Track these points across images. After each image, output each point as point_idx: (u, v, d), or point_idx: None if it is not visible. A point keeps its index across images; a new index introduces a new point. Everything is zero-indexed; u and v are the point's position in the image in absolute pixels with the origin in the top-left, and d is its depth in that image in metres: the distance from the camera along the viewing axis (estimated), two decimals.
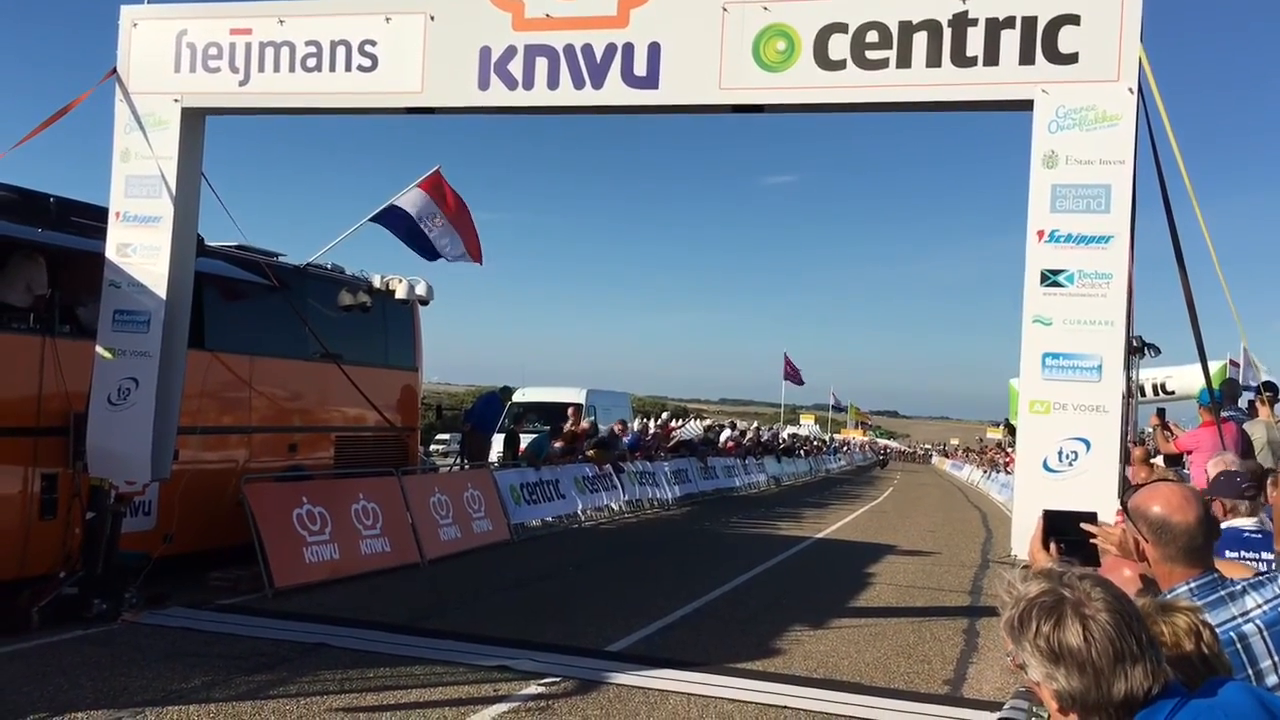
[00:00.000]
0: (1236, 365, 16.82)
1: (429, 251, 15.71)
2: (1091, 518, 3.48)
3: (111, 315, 9.28)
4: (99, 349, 9.27)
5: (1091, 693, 2.02)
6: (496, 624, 9.95)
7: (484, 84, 8.30)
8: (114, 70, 9.31)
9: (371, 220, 15.42)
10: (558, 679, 7.98)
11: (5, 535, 9.26)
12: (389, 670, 8.04)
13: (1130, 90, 6.97)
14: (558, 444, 20.12)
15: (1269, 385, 10.37)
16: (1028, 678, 2.13)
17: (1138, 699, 2.01)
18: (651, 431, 27.97)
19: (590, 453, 21.41)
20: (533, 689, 7.72)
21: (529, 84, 8.20)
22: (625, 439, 24.06)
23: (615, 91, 8.06)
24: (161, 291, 9.16)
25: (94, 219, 9.97)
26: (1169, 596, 2.93)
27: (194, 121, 9.34)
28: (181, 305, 9.41)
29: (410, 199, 15.47)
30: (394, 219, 15.42)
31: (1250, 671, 2.74)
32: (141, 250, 9.22)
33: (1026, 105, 7.22)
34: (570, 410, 23.33)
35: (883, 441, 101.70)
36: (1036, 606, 2.10)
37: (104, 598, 9.10)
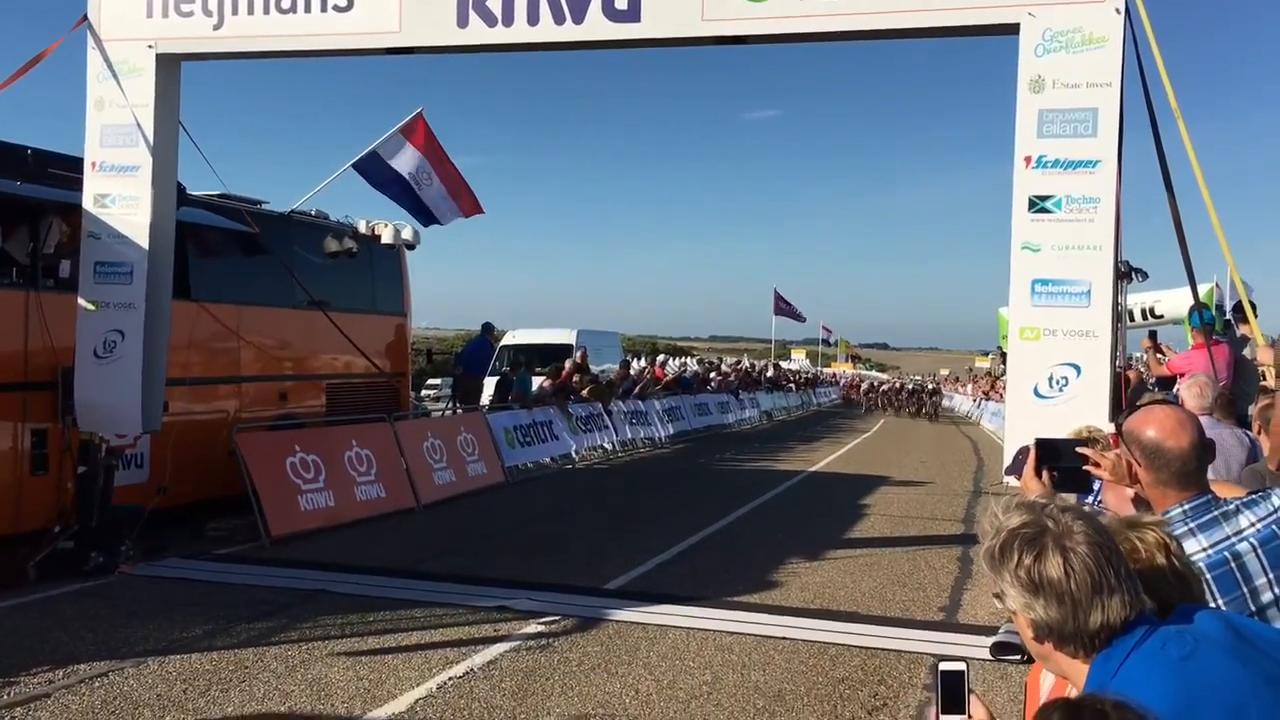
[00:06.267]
0: (1222, 290, 16.75)
1: (424, 215, 15.52)
2: (1084, 444, 3.46)
3: (93, 267, 9.20)
4: (81, 301, 9.19)
5: (1069, 623, 2.06)
6: (494, 565, 10.01)
7: (463, 21, 8.16)
8: (85, 17, 9.13)
9: (354, 167, 15.22)
10: (557, 617, 8.04)
11: None
12: (389, 614, 8.09)
13: (1117, 11, 6.88)
14: (546, 383, 20.06)
15: (1238, 308, 10.23)
16: (1004, 606, 2.15)
17: (1113, 629, 2.05)
18: (637, 370, 27.85)
19: (585, 392, 21.39)
20: (533, 628, 7.78)
21: (509, 20, 8.07)
22: (623, 385, 24.05)
23: (597, 26, 7.93)
24: (143, 242, 9.07)
25: (74, 170, 9.84)
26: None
27: (169, 67, 9.18)
28: (164, 255, 9.31)
29: (402, 159, 15.19)
30: (377, 172, 15.17)
31: (1245, 589, 2.74)
32: (121, 201, 9.11)
33: (1013, 29, 7.12)
34: (579, 355, 23.22)
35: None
36: (1018, 538, 2.11)
37: (100, 551, 9.12)
